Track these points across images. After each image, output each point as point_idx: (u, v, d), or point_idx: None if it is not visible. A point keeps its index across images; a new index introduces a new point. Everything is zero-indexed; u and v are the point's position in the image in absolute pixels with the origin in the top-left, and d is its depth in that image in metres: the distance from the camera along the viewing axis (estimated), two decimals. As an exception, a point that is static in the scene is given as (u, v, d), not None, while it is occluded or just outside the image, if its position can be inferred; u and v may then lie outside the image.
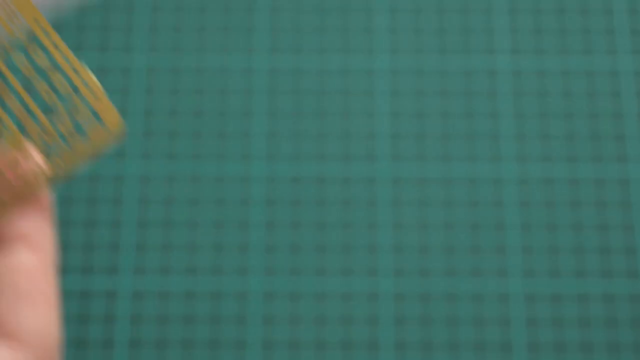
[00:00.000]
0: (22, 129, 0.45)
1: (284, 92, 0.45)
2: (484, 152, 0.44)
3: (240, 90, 0.45)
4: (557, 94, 0.45)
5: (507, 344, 0.42)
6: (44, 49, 0.45)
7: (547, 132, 0.45)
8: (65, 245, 0.43)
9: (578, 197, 0.44)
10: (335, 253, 0.43)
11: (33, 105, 0.25)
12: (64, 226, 0.43)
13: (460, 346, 0.42)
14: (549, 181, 0.44)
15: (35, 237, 0.23)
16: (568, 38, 0.46)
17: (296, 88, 0.45)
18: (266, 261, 0.43)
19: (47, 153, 0.24)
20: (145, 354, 0.42)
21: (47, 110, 0.45)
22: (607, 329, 0.42)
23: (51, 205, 0.24)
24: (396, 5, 0.46)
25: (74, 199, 0.43)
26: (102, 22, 0.46)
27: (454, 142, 0.44)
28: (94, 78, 0.24)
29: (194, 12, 0.46)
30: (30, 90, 0.45)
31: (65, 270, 0.43)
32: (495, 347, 0.42)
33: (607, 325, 0.42)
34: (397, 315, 0.42)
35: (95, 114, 0.24)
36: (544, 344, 0.42)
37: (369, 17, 0.46)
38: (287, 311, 0.42)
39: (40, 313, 0.23)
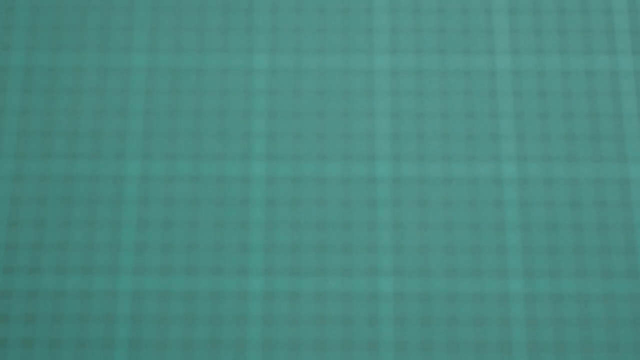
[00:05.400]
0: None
1: (284, 92, 0.45)
2: (484, 152, 0.44)
3: (240, 90, 0.45)
4: (557, 94, 0.45)
5: (507, 344, 0.42)
6: None
7: (547, 132, 0.45)
8: (65, 245, 0.43)
9: (578, 197, 0.44)
10: (335, 253, 0.43)
11: None
12: (64, 226, 0.43)
13: (460, 346, 0.42)
14: (549, 181, 0.44)
15: None
16: (568, 38, 0.46)
17: (296, 88, 0.45)
18: (266, 261, 0.43)
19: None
20: (145, 354, 0.42)
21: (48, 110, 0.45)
22: (607, 329, 0.42)
23: None
24: (396, 5, 0.46)
25: (74, 199, 0.43)
26: (102, 22, 0.46)
27: (454, 142, 0.44)
28: None
29: (194, 12, 0.46)
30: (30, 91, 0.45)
31: (65, 270, 0.43)
32: (495, 347, 0.42)
33: (607, 325, 0.42)
34: (397, 315, 0.42)
35: None
36: (544, 344, 0.42)
37: (369, 17, 0.46)
38: (287, 311, 0.42)
39: None
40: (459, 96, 0.45)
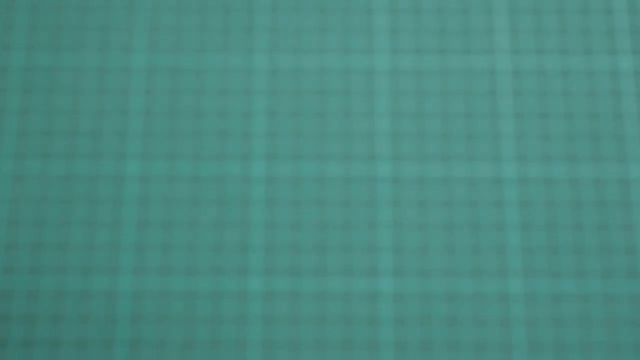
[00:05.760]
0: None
1: (284, 92, 0.45)
2: (484, 152, 0.44)
3: (240, 90, 0.45)
4: (557, 94, 0.45)
5: (507, 344, 0.42)
6: None
7: (547, 132, 0.45)
8: (65, 245, 0.43)
9: (578, 197, 0.44)
10: (335, 253, 0.43)
11: None
12: (64, 226, 0.43)
13: (460, 346, 0.42)
14: (549, 181, 0.44)
15: None
16: (568, 38, 0.46)
17: (296, 88, 0.45)
18: (266, 261, 0.43)
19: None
20: (145, 354, 0.42)
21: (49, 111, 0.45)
22: (607, 329, 0.42)
23: None
24: (396, 5, 0.46)
25: (74, 199, 0.43)
26: (102, 22, 0.46)
27: (454, 142, 0.44)
28: None
29: (194, 12, 0.46)
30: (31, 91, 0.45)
31: (65, 270, 0.43)
32: (495, 347, 0.42)
33: (607, 325, 0.42)
34: (397, 315, 0.42)
35: None
36: (544, 344, 0.42)
37: (369, 17, 0.46)
38: (287, 311, 0.42)
39: None
40: (459, 96, 0.45)
